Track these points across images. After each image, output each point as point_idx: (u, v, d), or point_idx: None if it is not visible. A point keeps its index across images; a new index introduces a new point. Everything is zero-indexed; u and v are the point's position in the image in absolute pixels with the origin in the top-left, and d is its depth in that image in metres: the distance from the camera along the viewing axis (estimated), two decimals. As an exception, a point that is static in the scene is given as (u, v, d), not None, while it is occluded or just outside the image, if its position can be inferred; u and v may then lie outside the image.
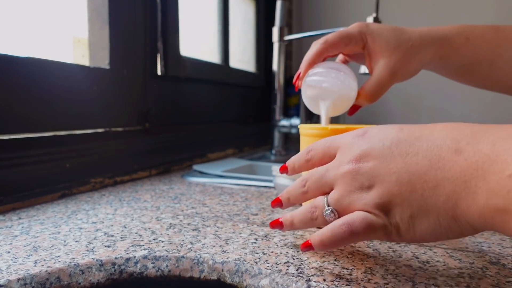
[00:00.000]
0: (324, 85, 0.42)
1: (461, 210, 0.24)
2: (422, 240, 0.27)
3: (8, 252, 0.33)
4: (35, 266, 0.30)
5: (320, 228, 0.30)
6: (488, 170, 0.22)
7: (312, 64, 0.44)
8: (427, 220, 0.25)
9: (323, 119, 0.44)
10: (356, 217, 0.27)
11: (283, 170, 0.35)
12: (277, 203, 0.34)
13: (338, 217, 0.29)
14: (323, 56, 0.44)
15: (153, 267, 0.33)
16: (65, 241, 0.36)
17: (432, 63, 0.45)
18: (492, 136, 0.23)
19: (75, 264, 0.31)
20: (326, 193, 0.30)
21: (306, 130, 0.40)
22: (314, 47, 0.44)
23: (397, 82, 0.45)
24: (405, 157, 0.26)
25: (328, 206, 0.29)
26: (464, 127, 0.25)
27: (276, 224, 0.33)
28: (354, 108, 0.46)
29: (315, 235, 0.29)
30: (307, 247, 0.30)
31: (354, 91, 0.43)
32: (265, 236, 0.38)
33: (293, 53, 1.50)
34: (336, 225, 0.28)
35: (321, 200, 0.30)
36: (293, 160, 0.34)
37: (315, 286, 0.27)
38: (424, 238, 0.26)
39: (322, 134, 0.39)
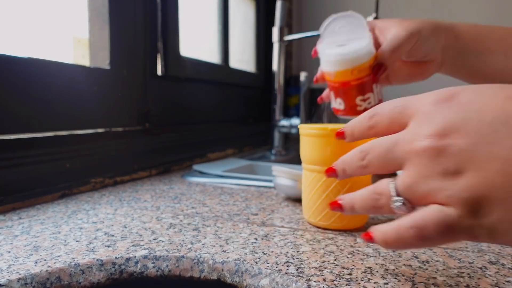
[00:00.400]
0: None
1: None
2: None
3: (9, 252, 0.33)
4: (35, 265, 0.31)
5: None
6: None
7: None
8: None
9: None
10: (430, 218, 0.21)
11: (340, 135, 0.28)
12: (332, 172, 0.28)
13: (411, 208, 0.23)
14: None
15: (153, 267, 0.33)
16: (65, 241, 0.36)
17: (449, 47, 0.45)
18: None
19: (75, 264, 0.31)
20: (391, 175, 0.24)
21: (306, 130, 0.40)
22: None
23: (413, 57, 0.45)
24: None
25: (398, 195, 0.23)
26: None
27: (336, 206, 0.27)
28: (377, 68, 0.44)
29: (378, 231, 0.24)
30: (369, 239, 0.24)
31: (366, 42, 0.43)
32: (265, 236, 0.38)
33: (293, 53, 1.50)
34: (403, 227, 0.22)
35: (386, 185, 0.24)
36: (352, 125, 0.27)
37: (315, 286, 0.28)
38: None
39: (322, 135, 0.39)
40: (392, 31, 0.43)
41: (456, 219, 0.20)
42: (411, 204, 0.23)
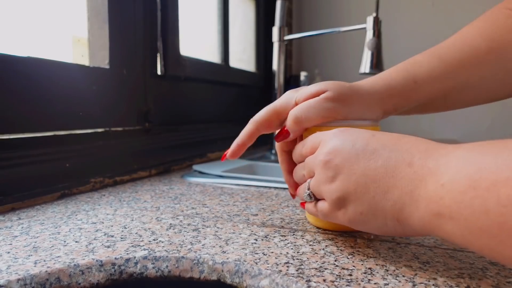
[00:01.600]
0: None
1: (405, 215, 0.27)
2: (372, 232, 0.33)
3: (8, 252, 0.33)
4: (35, 266, 0.30)
5: None
6: (429, 181, 0.26)
7: (241, 146, 0.42)
8: (375, 219, 0.29)
9: None
10: (318, 208, 0.34)
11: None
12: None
13: (316, 199, 0.35)
14: (255, 137, 0.42)
15: (153, 268, 0.33)
16: (65, 241, 0.36)
17: (387, 114, 0.42)
18: (437, 153, 0.27)
19: (75, 265, 0.31)
20: (312, 177, 0.35)
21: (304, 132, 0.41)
22: (246, 127, 0.42)
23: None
24: (367, 161, 0.29)
25: (308, 189, 0.35)
26: (422, 143, 0.29)
27: (302, 205, 0.39)
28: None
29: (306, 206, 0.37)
30: (302, 206, 0.39)
31: None
32: (265, 237, 0.38)
33: (293, 53, 1.50)
34: (309, 207, 0.36)
35: (306, 183, 0.35)
36: (294, 152, 0.40)
37: (315, 287, 0.27)
38: (373, 232, 0.31)
39: None
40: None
41: (329, 210, 0.32)
42: (315, 197, 0.35)
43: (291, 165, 0.42)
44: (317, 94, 0.37)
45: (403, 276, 0.29)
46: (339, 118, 0.37)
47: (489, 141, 0.24)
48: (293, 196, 0.43)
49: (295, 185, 0.41)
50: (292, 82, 1.33)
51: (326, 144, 0.33)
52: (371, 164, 0.29)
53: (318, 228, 0.41)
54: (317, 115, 0.37)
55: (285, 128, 0.39)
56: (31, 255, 0.33)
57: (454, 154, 0.25)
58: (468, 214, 0.23)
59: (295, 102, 0.39)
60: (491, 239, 0.22)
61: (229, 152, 0.42)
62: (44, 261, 0.31)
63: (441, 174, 0.25)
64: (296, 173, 0.39)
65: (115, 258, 0.33)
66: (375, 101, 0.39)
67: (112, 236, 0.38)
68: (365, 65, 0.79)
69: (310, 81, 1.33)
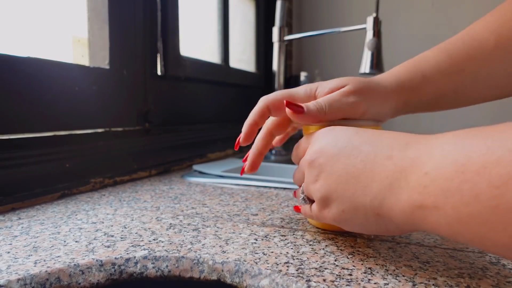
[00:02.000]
0: None
1: (385, 209, 0.27)
2: (357, 231, 0.32)
3: (8, 252, 0.33)
4: (35, 266, 0.30)
5: None
6: (410, 171, 0.25)
7: (252, 125, 0.40)
8: (356, 216, 0.29)
9: None
10: (309, 210, 0.35)
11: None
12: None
13: (310, 201, 0.35)
14: (266, 116, 0.40)
15: (153, 267, 0.33)
16: (65, 241, 0.36)
17: (397, 110, 0.41)
18: (418, 143, 0.26)
19: (75, 264, 0.31)
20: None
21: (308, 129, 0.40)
22: (256, 106, 0.40)
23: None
24: (348, 158, 0.29)
25: (303, 192, 0.35)
26: (404, 137, 0.28)
27: (297, 209, 0.39)
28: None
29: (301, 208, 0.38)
30: (297, 210, 0.39)
31: None
32: (265, 237, 0.38)
33: (293, 53, 1.50)
34: (305, 210, 0.36)
35: (301, 187, 0.36)
36: (292, 155, 0.40)
37: (315, 287, 0.27)
38: (358, 230, 0.31)
39: None
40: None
41: (317, 210, 0.33)
42: (308, 199, 0.35)
43: (266, 143, 0.42)
44: (337, 89, 0.37)
45: (403, 276, 0.29)
46: (359, 113, 0.37)
47: (477, 127, 0.23)
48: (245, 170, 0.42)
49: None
50: (292, 82, 1.33)
51: (314, 144, 0.33)
52: (351, 161, 0.29)
53: (318, 228, 0.41)
54: (339, 109, 0.36)
55: (303, 107, 0.36)
56: (31, 255, 0.33)
57: (438, 141, 0.24)
58: (455, 201, 0.22)
59: (315, 95, 0.39)
60: (482, 226, 0.21)
61: (241, 137, 0.41)
62: (44, 261, 0.31)
63: (424, 163, 0.24)
64: (294, 178, 0.39)
65: (115, 258, 0.33)
66: (389, 95, 0.39)
67: (112, 236, 0.38)
68: (365, 65, 0.79)
69: (310, 81, 1.33)
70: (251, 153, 0.42)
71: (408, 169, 0.25)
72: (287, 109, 0.36)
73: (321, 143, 0.32)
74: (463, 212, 0.21)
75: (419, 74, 0.40)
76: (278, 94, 0.39)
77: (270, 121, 0.42)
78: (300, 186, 0.38)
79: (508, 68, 0.41)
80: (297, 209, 0.39)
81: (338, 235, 0.39)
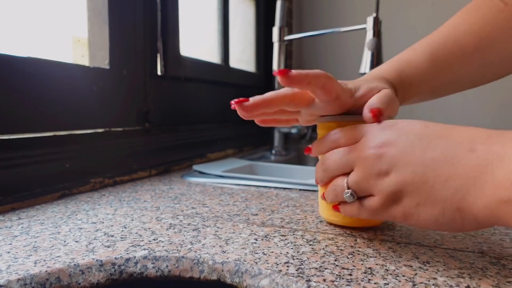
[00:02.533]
0: None
1: (467, 203, 0.26)
2: (424, 227, 0.30)
3: (8, 252, 0.33)
4: (35, 266, 0.30)
5: None
6: (497, 166, 0.24)
7: (266, 102, 0.36)
8: (431, 209, 0.28)
9: None
10: (365, 206, 0.32)
11: (308, 151, 0.38)
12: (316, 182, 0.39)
13: (357, 198, 0.33)
14: (284, 104, 0.37)
15: (153, 267, 0.33)
16: (65, 241, 0.36)
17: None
18: (503, 138, 0.25)
19: (75, 264, 0.31)
20: (346, 174, 0.33)
21: (324, 122, 0.38)
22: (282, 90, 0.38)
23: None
24: (424, 151, 0.28)
25: (348, 188, 0.33)
26: (482, 131, 0.27)
27: (336, 208, 0.37)
28: None
29: (342, 208, 0.36)
30: (336, 209, 0.37)
31: None
32: (265, 237, 0.38)
33: (293, 53, 1.50)
34: (350, 208, 0.34)
35: (342, 180, 0.33)
36: (318, 142, 0.37)
37: (315, 287, 0.27)
38: (427, 226, 0.29)
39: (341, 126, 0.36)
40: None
41: (380, 206, 0.31)
42: (357, 194, 0.33)
43: (276, 100, 0.36)
44: (377, 90, 0.37)
45: (403, 276, 0.29)
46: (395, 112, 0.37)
47: None
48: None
49: None
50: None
51: (375, 137, 0.31)
52: (428, 154, 0.28)
53: (332, 224, 0.41)
54: (393, 108, 0.36)
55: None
56: (31, 255, 0.33)
57: None
58: None
59: (354, 96, 0.36)
60: None
61: (250, 103, 0.36)
62: (44, 261, 0.31)
63: (511, 159, 0.24)
64: (321, 173, 0.36)
65: (115, 258, 0.33)
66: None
67: (112, 236, 0.38)
68: (365, 65, 0.79)
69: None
70: (256, 97, 0.36)
71: (494, 163, 0.25)
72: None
73: (388, 136, 0.31)
74: None
75: (407, 83, 0.42)
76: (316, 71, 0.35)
77: (291, 91, 0.37)
78: (324, 183, 0.36)
79: (482, 68, 0.43)
80: (335, 208, 0.36)
81: (338, 235, 0.39)
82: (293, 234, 0.39)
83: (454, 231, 0.33)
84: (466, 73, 0.44)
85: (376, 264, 0.31)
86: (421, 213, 0.29)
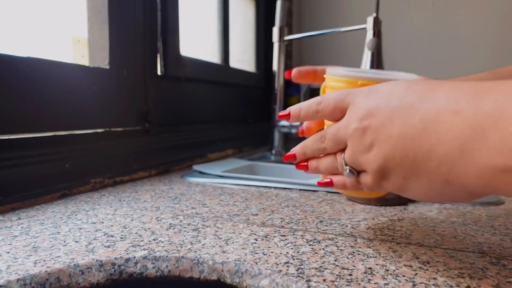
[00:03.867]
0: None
1: (455, 174, 0.23)
2: (418, 199, 0.29)
3: (8, 252, 0.33)
4: (34, 266, 0.30)
5: None
6: (489, 128, 0.21)
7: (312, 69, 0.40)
8: (418, 183, 0.26)
9: None
10: (362, 182, 0.30)
11: (285, 116, 0.34)
12: (290, 157, 0.35)
13: (358, 173, 0.30)
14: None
15: (153, 268, 0.33)
16: (64, 241, 0.36)
17: None
18: (495, 93, 0.21)
19: (75, 265, 0.31)
20: (342, 150, 0.31)
21: (333, 83, 0.36)
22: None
23: None
24: (403, 119, 0.25)
25: (346, 164, 0.30)
26: (470, 86, 0.23)
27: (302, 167, 0.35)
28: None
29: (336, 182, 0.33)
30: (326, 185, 0.34)
31: None
32: (265, 237, 0.38)
33: (293, 53, 1.50)
34: (351, 184, 0.32)
35: (339, 157, 0.31)
36: (300, 107, 0.33)
37: (315, 287, 0.27)
38: (419, 198, 0.28)
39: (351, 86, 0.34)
40: None
41: (373, 182, 0.29)
42: (356, 170, 0.30)
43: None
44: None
45: (403, 276, 0.29)
46: None
47: None
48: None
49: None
50: (292, 82, 1.33)
51: (358, 107, 0.28)
52: (407, 122, 0.25)
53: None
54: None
55: None
56: (31, 255, 0.33)
57: None
58: None
59: None
60: None
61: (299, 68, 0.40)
62: (44, 261, 0.31)
63: (508, 118, 0.20)
64: (310, 145, 0.33)
65: (115, 258, 0.33)
66: None
67: (112, 236, 0.38)
68: (365, 66, 0.79)
69: (310, 81, 1.33)
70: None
71: (485, 125, 0.21)
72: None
73: (368, 105, 0.27)
74: None
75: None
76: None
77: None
78: (315, 155, 0.34)
79: None
80: (329, 184, 0.34)
81: (338, 235, 0.39)
82: (293, 234, 0.39)
83: (448, 202, 0.31)
84: None
85: (376, 264, 0.31)
86: (410, 186, 0.27)
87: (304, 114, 0.33)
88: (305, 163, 0.34)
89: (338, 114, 0.30)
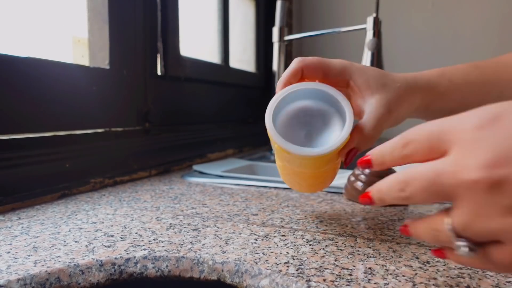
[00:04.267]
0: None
1: None
2: None
3: (8, 252, 0.33)
4: (35, 266, 0.30)
5: None
6: None
7: (286, 84, 0.37)
8: None
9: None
10: (494, 260, 0.21)
11: (365, 164, 0.26)
12: (367, 200, 0.26)
13: (477, 249, 0.21)
14: (299, 76, 0.38)
15: (153, 267, 0.33)
16: (65, 241, 0.36)
17: (418, 111, 0.39)
18: None
19: (75, 265, 0.31)
20: (445, 210, 0.22)
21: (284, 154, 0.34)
22: (290, 65, 0.38)
23: (388, 127, 0.38)
24: None
25: (458, 235, 0.21)
26: None
27: (404, 231, 0.26)
28: (350, 154, 0.36)
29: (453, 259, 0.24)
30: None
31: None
32: (265, 237, 0.38)
33: (293, 53, 1.50)
34: (476, 263, 0.22)
35: (441, 222, 0.22)
36: (383, 153, 0.25)
37: (315, 287, 0.27)
38: None
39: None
40: (372, 102, 0.36)
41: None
42: (473, 242, 0.21)
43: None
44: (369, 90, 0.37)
45: (403, 276, 0.29)
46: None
47: None
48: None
49: None
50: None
51: (475, 145, 0.20)
52: None
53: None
54: (382, 127, 0.37)
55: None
56: (31, 255, 0.33)
57: None
58: None
59: (349, 82, 0.39)
60: None
61: (276, 92, 0.37)
62: (44, 261, 0.31)
63: None
64: (386, 191, 0.24)
65: (115, 258, 0.33)
66: (413, 88, 0.39)
67: (112, 236, 0.38)
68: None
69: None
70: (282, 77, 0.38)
71: None
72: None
73: (498, 144, 0.19)
74: None
75: (446, 78, 0.40)
76: (314, 59, 0.37)
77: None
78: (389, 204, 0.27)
79: None
80: (440, 254, 0.25)
81: (338, 235, 0.39)
82: (293, 234, 0.39)
83: None
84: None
85: (376, 264, 0.31)
86: None
87: (390, 161, 0.25)
88: (407, 229, 0.25)
89: (435, 157, 0.22)
